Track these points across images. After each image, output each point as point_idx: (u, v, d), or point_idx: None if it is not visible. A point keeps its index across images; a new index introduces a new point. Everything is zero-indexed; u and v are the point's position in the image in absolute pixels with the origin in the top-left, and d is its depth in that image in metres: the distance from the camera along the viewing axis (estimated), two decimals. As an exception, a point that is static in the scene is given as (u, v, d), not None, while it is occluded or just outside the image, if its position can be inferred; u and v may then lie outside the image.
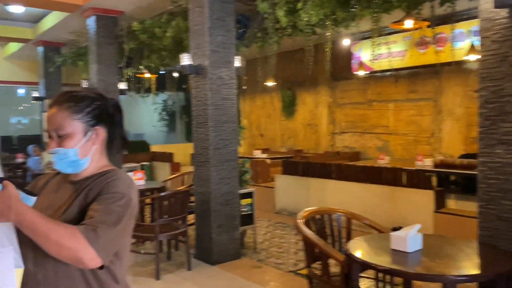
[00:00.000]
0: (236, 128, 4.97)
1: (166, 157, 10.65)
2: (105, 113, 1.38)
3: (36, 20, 9.06)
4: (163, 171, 10.29)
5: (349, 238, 3.05)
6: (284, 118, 11.66)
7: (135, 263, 4.77)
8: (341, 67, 9.62)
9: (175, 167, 10.26)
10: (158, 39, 6.83)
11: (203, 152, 4.83)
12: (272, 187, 7.42)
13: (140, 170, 6.89)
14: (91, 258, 1.16)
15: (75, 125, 1.33)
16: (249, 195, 5.15)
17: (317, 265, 2.88)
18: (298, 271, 4.45)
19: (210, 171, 4.74)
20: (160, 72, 10.41)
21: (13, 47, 10.87)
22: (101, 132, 1.38)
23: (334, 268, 3.17)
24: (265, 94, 12.02)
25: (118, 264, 1.33)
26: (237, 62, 4.94)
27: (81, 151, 1.34)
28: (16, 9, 7.52)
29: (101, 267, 1.22)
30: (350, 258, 2.31)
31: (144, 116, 15.82)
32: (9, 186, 1.15)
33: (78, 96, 1.36)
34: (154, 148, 12.03)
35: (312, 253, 2.80)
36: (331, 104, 10.50)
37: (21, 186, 1.19)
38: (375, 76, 9.50)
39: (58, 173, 1.44)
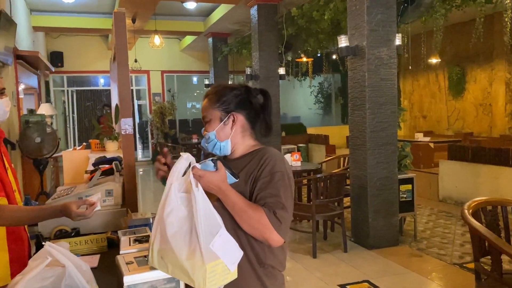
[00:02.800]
0: (396, 110, 4.75)
1: (322, 140, 10.77)
2: (245, 101, 1.56)
3: (206, 14, 10.00)
4: (318, 153, 10.45)
5: (528, 234, 2.69)
6: (451, 98, 10.65)
7: (292, 240, 5.00)
8: (523, 37, 8.32)
9: (331, 149, 10.32)
10: (315, 22, 6.89)
11: (360, 135, 4.75)
12: (435, 173, 6.90)
13: (296, 151, 7.13)
14: (276, 240, 1.39)
15: (213, 113, 1.54)
16: (409, 181, 4.90)
17: (486, 260, 2.61)
18: (464, 265, 4.10)
19: (366, 154, 4.64)
20: (317, 55, 10.51)
21: (188, 40, 12.22)
22: (239, 117, 1.55)
23: (507, 265, 2.84)
24: (429, 72, 11.15)
25: None
26: (398, 40, 4.69)
27: (219, 134, 1.53)
28: (190, 5, 8.42)
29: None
30: (529, 256, 2.04)
31: (300, 99, 16.19)
32: (222, 169, 1.35)
33: (219, 88, 1.58)
34: (310, 130, 12.26)
35: (481, 246, 2.55)
36: (509, 80, 9.19)
37: (228, 167, 1.38)
38: None
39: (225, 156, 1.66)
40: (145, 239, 1.78)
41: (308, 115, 15.82)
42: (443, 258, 4.31)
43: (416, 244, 4.76)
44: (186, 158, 1.30)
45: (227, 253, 1.25)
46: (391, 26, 4.62)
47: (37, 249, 2.27)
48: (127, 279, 1.40)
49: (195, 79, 14.92)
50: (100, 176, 2.55)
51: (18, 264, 1.79)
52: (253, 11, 7.69)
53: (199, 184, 1.27)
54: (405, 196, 4.87)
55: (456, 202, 6.47)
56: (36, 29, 9.70)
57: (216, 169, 1.34)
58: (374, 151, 4.64)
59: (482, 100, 9.86)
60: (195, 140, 11.04)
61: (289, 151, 7.88)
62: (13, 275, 1.77)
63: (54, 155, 6.46)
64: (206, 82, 11.36)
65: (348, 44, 4.65)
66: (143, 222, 2.09)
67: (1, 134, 1.88)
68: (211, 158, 1.35)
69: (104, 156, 2.96)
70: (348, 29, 4.82)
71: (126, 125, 2.47)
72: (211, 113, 1.54)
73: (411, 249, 4.61)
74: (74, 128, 12.99)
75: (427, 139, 8.83)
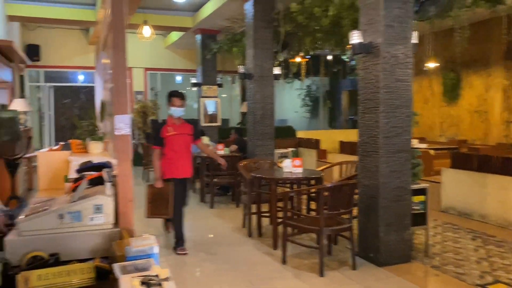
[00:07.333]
0: (411, 114, 4.37)
1: (312, 144, 10.39)
2: None
3: (196, 8, 9.48)
4: (309, 158, 10.05)
5: None
6: (445, 103, 10.42)
7: (294, 254, 4.54)
8: (524, 43, 8.12)
9: (322, 154, 9.95)
10: (316, 19, 6.48)
11: (371, 140, 4.34)
12: (436, 182, 6.57)
13: (294, 156, 6.69)
14: None
15: None
16: (422, 191, 4.52)
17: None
18: (487, 286, 3.72)
19: (379, 162, 4.23)
20: (307, 56, 10.15)
21: (174, 36, 11.66)
22: None
23: None
24: (422, 77, 10.89)
25: None
26: (414, 39, 4.30)
27: None
28: (179, -2, 7.91)
29: None
30: None
31: (287, 101, 15.82)
32: None
33: None
34: (299, 134, 11.88)
35: None
36: (507, 87, 8.99)
37: None
38: None
39: None
40: (156, 282, 1.29)
41: (294, 118, 15.44)
42: (462, 277, 3.92)
43: (429, 260, 4.37)
44: None
45: None
46: (407, 22, 4.23)
47: (4, 281, 1.75)
48: None
49: (179, 78, 14.35)
50: (86, 186, 2.04)
51: None
52: (248, 5, 7.22)
53: None
54: (418, 208, 4.49)
55: (460, 213, 6.14)
56: (11, 18, 9.00)
57: None
58: (387, 158, 4.23)
59: (477, 107, 9.64)
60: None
61: (284, 156, 7.45)
62: None
63: (27, 155, 5.88)
64: (194, 80, 10.83)
65: (361, 40, 4.24)
66: (146, 251, 1.60)
67: None
68: None
69: (90, 161, 2.44)
70: (361, 25, 4.40)
71: (121, 123, 1.97)
72: None
73: (425, 267, 4.22)
74: (50, 127, 12.25)
75: (423, 145, 8.52)
